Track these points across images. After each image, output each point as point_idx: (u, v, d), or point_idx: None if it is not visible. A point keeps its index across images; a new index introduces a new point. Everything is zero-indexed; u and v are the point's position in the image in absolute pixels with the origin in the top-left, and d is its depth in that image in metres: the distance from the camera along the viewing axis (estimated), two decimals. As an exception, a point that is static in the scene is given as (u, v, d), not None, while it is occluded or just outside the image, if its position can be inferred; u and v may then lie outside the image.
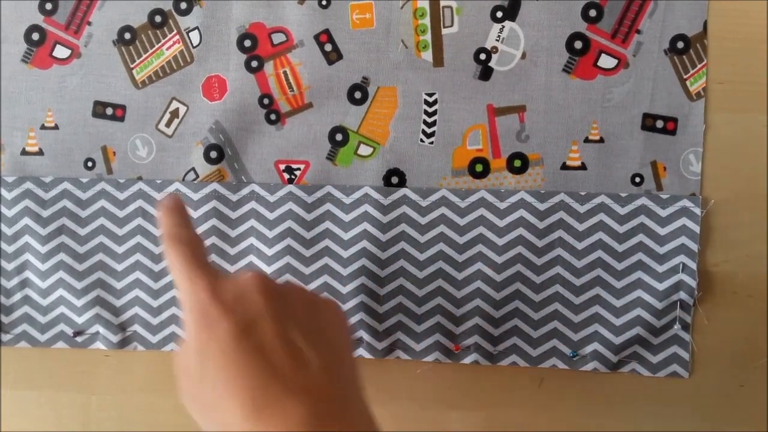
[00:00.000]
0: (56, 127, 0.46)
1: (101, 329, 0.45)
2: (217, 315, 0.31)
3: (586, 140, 0.44)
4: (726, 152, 0.43)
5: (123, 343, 0.45)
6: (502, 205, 0.44)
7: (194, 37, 0.45)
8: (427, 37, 0.44)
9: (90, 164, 0.46)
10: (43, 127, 0.46)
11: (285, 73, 0.45)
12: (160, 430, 0.45)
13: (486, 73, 0.44)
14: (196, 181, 0.45)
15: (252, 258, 0.45)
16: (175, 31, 0.45)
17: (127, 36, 0.45)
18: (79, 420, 0.46)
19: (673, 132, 0.43)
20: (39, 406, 0.46)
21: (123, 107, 0.46)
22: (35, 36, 0.46)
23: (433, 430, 0.45)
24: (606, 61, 0.44)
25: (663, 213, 0.43)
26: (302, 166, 0.45)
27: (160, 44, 0.45)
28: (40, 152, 0.46)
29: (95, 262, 0.45)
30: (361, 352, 0.44)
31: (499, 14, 0.44)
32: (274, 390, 0.30)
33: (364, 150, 0.45)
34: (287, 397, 0.29)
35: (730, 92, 0.43)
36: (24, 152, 0.46)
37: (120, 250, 0.45)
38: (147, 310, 0.45)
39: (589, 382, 0.44)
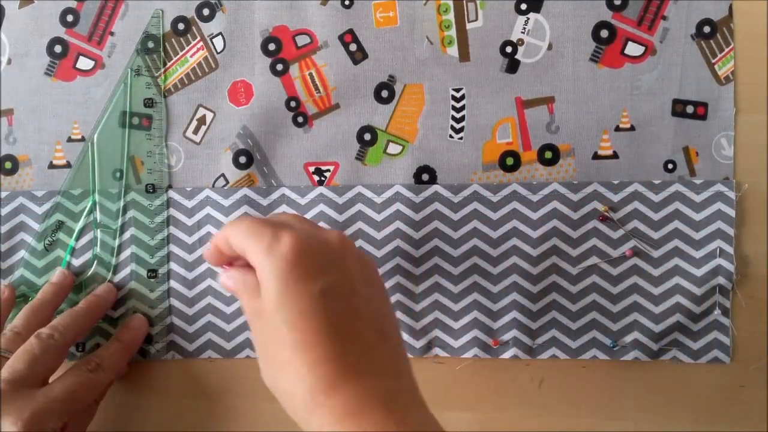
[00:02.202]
0: (83, 140, 0.46)
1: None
2: (303, 273, 0.31)
3: (617, 129, 0.44)
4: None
5: (160, 354, 0.45)
6: (535, 198, 0.44)
7: (218, 42, 0.45)
8: (452, 32, 0.44)
9: (118, 175, 0.46)
10: (69, 140, 0.46)
11: (311, 74, 0.45)
12: (159, 430, 0.45)
13: (513, 66, 0.44)
14: (226, 187, 0.45)
15: (285, 262, 0.45)
16: (198, 38, 0.45)
17: (151, 44, 0.45)
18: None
19: (703, 117, 0.43)
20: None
21: (149, 117, 0.45)
22: (58, 48, 0.46)
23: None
24: (633, 49, 0.43)
25: (697, 198, 0.43)
26: (332, 168, 0.45)
27: (184, 51, 0.45)
28: (68, 165, 0.46)
29: (128, 273, 0.45)
30: (399, 351, 0.44)
31: (524, 6, 0.44)
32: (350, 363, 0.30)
33: (393, 148, 0.45)
34: (367, 375, 0.30)
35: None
36: (51, 165, 0.46)
37: (152, 260, 0.45)
38: (183, 320, 0.45)
39: (590, 383, 0.44)
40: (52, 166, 0.46)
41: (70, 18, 0.46)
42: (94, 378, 0.41)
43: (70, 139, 0.46)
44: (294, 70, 0.45)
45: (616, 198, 0.43)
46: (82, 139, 0.46)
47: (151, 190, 0.45)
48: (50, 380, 0.40)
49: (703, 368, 0.43)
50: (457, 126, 0.44)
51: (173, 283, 0.45)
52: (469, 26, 0.44)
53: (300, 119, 0.45)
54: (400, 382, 0.31)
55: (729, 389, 0.43)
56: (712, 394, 0.43)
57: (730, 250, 0.42)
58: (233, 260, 0.35)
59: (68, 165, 0.46)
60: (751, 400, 0.43)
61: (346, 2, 0.44)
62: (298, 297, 0.30)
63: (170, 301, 0.45)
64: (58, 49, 0.46)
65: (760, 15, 0.43)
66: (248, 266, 0.33)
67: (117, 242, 0.45)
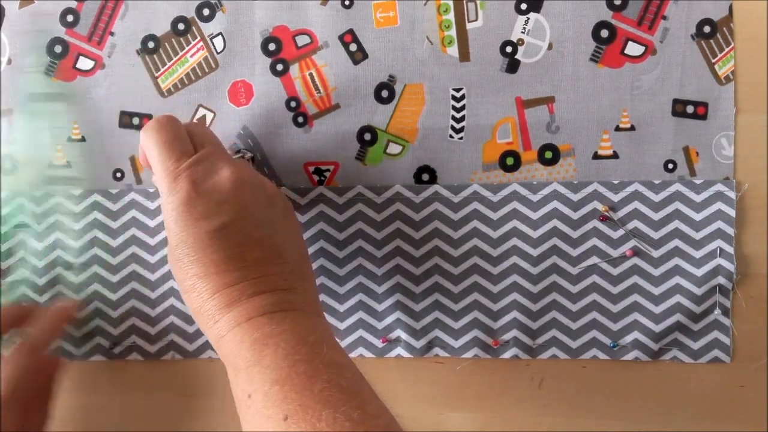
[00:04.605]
0: (83, 139, 0.46)
1: (138, 340, 0.45)
2: (199, 215, 0.35)
3: (617, 129, 0.43)
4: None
5: (160, 353, 0.45)
6: (535, 198, 0.44)
7: (218, 42, 0.45)
8: (452, 32, 0.44)
9: (119, 175, 0.46)
10: (69, 140, 0.46)
11: (311, 75, 0.45)
12: (158, 430, 0.45)
13: (513, 66, 0.44)
14: (226, 187, 0.45)
15: (286, 262, 0.45)
16: (198, 38, 0.45)
17: (151, 45, 0.45)
18: (77, 420, 0.46)
19: (703, 117, 0.43)
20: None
21: (149, 116, 0.45)
22: (58, 48, 0.46)
23: (433, 431, 0.44)
24: (633, 49, 0.43)
25: (697, 198, 0.43)
26: (332, 168, 0.45)
27: (184, 52, 0.45)
28: (68, 165, 0.46)
29: (129, 273, 0.45)
30: (400, 351, 0.44)
31: (524, 6, 0.44)
32: (245, 287, 0.34)
33: (393, 148, 0.45)
34: (257, 295, 0.34)
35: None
36: (52, 166, 0.46)
37: (153, 259, 0.45)
38: (182, 319, 0.45)
39: (590, 383, 0.44)
40: (52, 166, 0.46)
41: (70, 18, 0.46)
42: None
43: (70, 139, 0.46)
44: (294, 70, 0.45)
45: (616, 198, 0.43)
46: (82, 139, 0.46)
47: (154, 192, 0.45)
48: None
49: (704, 368, 0.43)
50: (458, 126, 0.44)
51: (172, 283, 0.45)
52: (469, 26, 0.44)
53: (300, 119, 0.45)
54: (290, 296, 0.36)
55: (729, 389, 0.43)
56: (713, 394, 0.43)
57: (730, 249, 0.42)
58: None
59: (68, 165, 0.46)
60: (752, 400, 0.43)
61: (346, 2, 0.44)
62: (196, 236, 0.35)
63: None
64: (58, 49, 0.46)
65: (760, 15, 0.43)
66: None
67: (116, 242, 0.45)
